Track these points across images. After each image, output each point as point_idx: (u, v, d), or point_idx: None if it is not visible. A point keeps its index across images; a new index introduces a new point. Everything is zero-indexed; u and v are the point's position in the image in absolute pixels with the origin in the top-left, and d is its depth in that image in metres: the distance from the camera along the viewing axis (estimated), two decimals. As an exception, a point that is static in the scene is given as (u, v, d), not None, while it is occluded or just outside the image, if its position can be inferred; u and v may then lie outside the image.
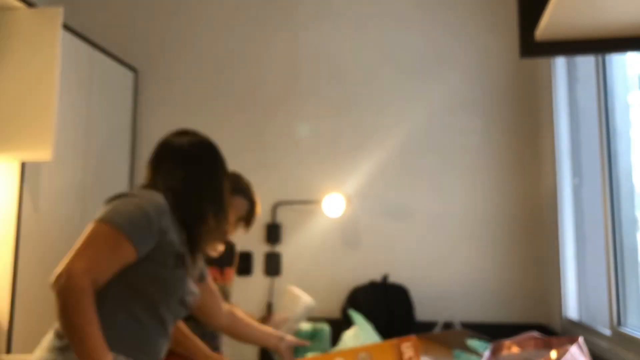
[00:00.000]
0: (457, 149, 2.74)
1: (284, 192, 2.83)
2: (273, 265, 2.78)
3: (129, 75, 2.94)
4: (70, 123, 2.45)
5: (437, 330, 2.46)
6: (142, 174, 2.90)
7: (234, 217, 1.73)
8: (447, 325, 2.49)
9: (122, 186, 2.85)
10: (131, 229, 1.26)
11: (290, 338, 1.74)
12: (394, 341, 1.48)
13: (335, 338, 1.98)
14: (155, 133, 2.90)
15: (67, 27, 2.40)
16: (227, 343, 2.28)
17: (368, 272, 2.67)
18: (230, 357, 1.96)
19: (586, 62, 2.23)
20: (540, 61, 2.61)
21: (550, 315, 2.52)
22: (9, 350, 2.24)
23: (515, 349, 1.59)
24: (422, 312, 2.60)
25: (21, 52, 2.38)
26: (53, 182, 2.33)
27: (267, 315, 1.99)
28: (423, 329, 2.49)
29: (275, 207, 2.81)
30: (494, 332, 2.30)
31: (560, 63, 2.41)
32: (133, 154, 2.93)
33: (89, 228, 1.27)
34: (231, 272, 1.96)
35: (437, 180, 2.74)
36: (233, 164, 2.87)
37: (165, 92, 2.96)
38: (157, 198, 1.34)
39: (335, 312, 2.62)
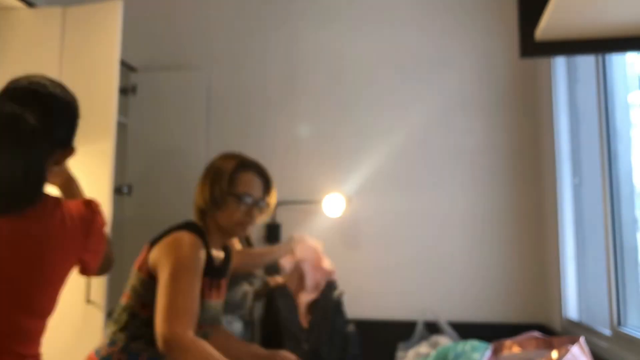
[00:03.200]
0: (456, 149, 2.74)
1: (284, 192, 2.82)
2: (273, 265, 2.77)
3: (128, 75, 2.94)
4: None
5: (419, 328, 2.45)
6: (138, 171, 2.88)
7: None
8: (431, 325, 2.48)
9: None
10: None
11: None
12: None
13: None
14: (150, 133, 2.91)
15: (67, 27, 2.40)
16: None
17: (368, 273, 2.67)
18: None
19: (586, 62, 2.23)
20: (540, 61, 2.61)
21: (550, 315, 2.52)
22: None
23: (516, 349, 1.60)
24: (422, 311, 2.59)
25: (21, 52, 2.38)
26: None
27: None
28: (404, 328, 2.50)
29: (275, 207, 2.81)
30: (494, 332, 2.30)
31: (560, 63, 2.41)
32: (125, 152, 2.92)
33: None
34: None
35: (437, 180, 2.74)
36: (233, 164, 2.87)
37: (164, 92, 2.96)
38: None
39: (335, 312, 2.61)
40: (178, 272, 1.43)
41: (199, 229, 1.59)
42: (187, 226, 1.58)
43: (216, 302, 1.63)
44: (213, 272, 1.60)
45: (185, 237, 1.52)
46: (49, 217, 1.20)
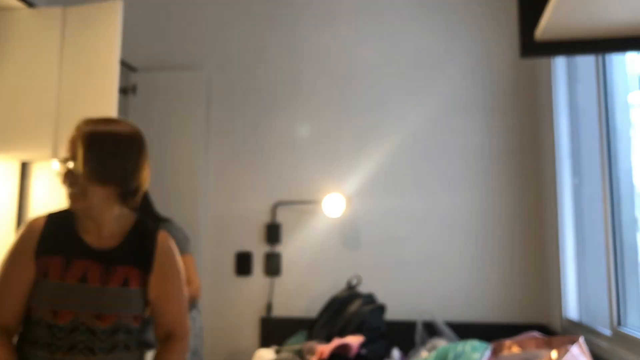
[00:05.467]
0: (457, 149, 2.74)
1: (284, 192, 2.83)
2: (273, 266, 2.78)
3: (128, 75, 2.94)
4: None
5: (418, 329, 2.45)
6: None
7: None
8: (430, 325, 2.48)
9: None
10: None
11: None
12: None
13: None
14: (150, 133, 2.91)
15: (67, 27, 2.40)
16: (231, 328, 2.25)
17: (368, 273, 2.67)
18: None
19: (586, 62, 2.23)
20: (540, 61, 2.61)
21: (550, 315, 2.52)
22: (8, 350, 2.24)
23: (516, 349, 1.60)
24: (422, 312, 2.59)
25: (21, 52, 2.38)
26: (54, 182, 2.33)
27: None
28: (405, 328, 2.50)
29: (275, 207, 2.81)
30: (494, 332, 2.30)
31: (560, 63, 2.41)
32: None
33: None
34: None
35: (437, 180, 2.74)
36: (233, 164, 2.88)
37: (164, 92, 2.96)
38: None
39: (335, 312, 2.61)
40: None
41: (64, 210, 1.45)
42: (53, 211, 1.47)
43: (86, 286, 1.37)
44: (74, 250, 1.40)
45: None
46: None
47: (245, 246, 2.82)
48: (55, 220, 1.43)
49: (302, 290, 2.75)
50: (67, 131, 2.30)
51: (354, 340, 2.13)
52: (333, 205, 2.69)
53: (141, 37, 3.00)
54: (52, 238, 1.40)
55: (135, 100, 2.95)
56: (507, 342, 1.68)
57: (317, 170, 2.82)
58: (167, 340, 1.49)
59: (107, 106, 2.28)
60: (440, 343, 2.23)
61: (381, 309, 2.43)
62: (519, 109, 2.72)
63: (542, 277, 2.60)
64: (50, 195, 2.32)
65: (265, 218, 2.82)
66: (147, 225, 1.51)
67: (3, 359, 1.31)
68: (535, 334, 1.69)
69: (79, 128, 1.41)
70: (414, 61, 2.83)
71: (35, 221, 1.41)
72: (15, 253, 1.39)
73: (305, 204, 2.79)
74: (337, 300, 2.49)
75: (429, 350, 2.20)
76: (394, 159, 2.77)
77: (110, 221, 1.44)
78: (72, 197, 1.39)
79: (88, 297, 1.36)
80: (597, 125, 1.95)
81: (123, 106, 2.85)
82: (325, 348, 2.09)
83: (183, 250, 2.51)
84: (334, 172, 2.80)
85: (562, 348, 1.41)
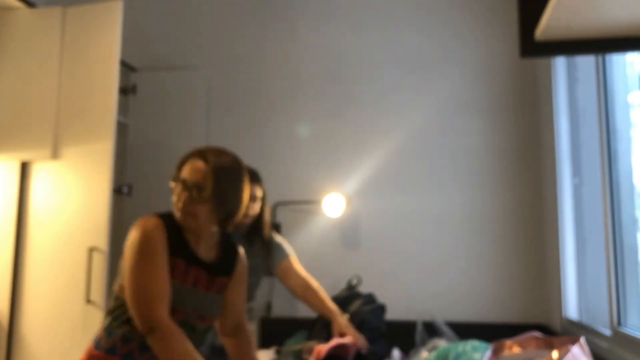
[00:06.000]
0: (457, 149, 2.74)
1: (284, 192, 2.83)
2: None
3: (128, 75, 2.94)
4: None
5: (418, 329, 2.45)
6: (138, 170, 2.88)
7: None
8: (430, 325, 2.48)
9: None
10: None
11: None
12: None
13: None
14: (150, 133, 2.91)
15: (67, 27, 2.40)
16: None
17: (368, 273, 2.67)
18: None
19: (586, 62, 2.23)
20: (540, 61, 2.61)
21: (550, 315, 2.52)
22: (9, 350, 2.24)
23: (516, 349, 1.60)
24: (422, 312, 2.59)
25: (21, 52, 2.38)
26: (54, 182, 2.33)
27: None
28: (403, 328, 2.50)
29: (275, 207, 2.81)
30: (494, 332, 2.30)
31: (560, 63, 2.41)
32: (125, 152, 2.92)
33: None
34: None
35: (437, 180, 2.74)
36: (233, 164, 2.88)
37: (164, 91, 2.96)
38: None
39: (335, 312, 2.61)
40: (136, 254, 1.43)
41: (170, 214, 1.54)
42: (160, 213, 1.55)
43: (197, 290, 1.53)
44: (190, 257, 1.53)
45: (142, 221, 1.50)
46: None
47: (245, 246, 2.81)
48: (171, 224, 1.51)
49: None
50: (67, 131, 2.31)
51: (352, 340, 2.13)
52: (333, 205, 2.69)
53: (141, 37, 2.99)
54: (175, 241, 1.50)
55: (135, 100, 2.95)
56: (508, 342, 1.68)
57: (317, 170, 2.82)
58: (238, 329, 1.69)
59: (107, 106, 2.28)
60: (441, 343, 2.23)
61: (381, 309, 2.43)
62: (519, 109, 2.72)
63: (542, 277, 2.60)
64: (50, 195, 2.32)
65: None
66: (232, 241, 1.69)
67: (186, 347, 1.41)
68: (536, 334, 1.69)
69: (206, 158, 1.51)
70: (414, 61, 2.83)
71: (156, 221, 1.49)
72: (155, 251, 1.45)
73: (305, 204, 2.79)
74: (337, 300, 2.48)
75: (429, 350, 2.20)
76: (394, 158, 2.77)
77: (208, 237, 1.58)
78: (185, 213, 1.49)
79: (197, 300, 1.52)
80: (597, 125, 1.95)
81: (123, 106, 2.85)
82: (322, 348, 2.09)
83: None
84: (334, 172, 2.80)
85: (563, 348, 1.41)
